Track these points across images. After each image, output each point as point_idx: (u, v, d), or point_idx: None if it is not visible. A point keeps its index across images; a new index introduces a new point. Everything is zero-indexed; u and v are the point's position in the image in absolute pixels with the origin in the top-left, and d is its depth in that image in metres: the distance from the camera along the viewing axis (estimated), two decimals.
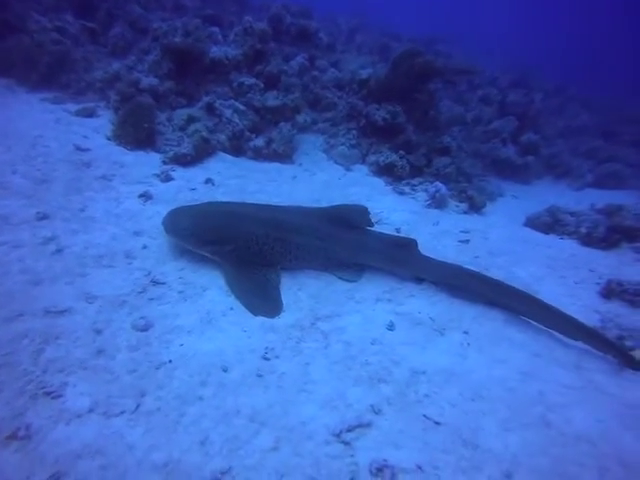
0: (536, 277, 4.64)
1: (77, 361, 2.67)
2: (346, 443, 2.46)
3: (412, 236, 4.94)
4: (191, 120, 6.35)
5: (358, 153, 7.53)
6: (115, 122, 6.01)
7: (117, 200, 4.56)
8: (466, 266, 4.45)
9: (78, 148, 5.30)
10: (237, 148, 6.79)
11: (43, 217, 3.90)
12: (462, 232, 5.50)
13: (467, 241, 5.22)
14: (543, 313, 3.67)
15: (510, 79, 14.17)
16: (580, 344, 3.60)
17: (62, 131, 5.68)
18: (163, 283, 3.51)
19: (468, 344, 3.40)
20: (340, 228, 4.00)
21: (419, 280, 4.13)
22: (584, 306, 4.26)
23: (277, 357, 3.02)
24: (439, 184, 6.45)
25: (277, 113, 7.35)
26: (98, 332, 2.92)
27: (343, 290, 3.89)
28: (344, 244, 3.99)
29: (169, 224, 3.76)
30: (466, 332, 3.54)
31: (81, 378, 2.58)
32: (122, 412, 2.44)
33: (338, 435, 2.49)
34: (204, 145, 6.05)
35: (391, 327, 3.48)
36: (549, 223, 6.34)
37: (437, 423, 2.65)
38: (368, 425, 2.58)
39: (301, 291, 3.79)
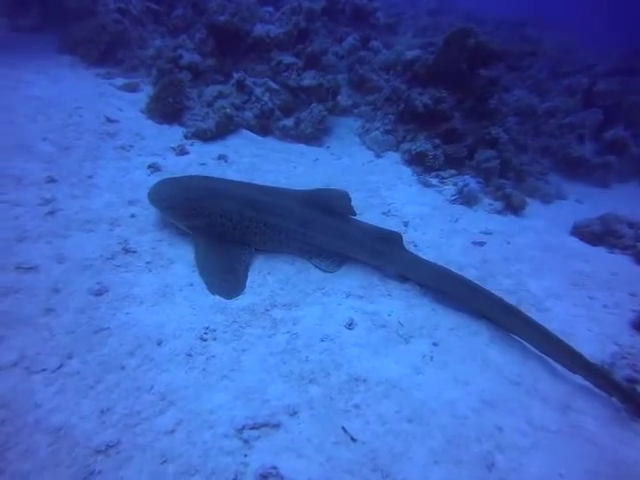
0: (551, 293, 4.02)
1: (24, 317, 2.83)
2: (245, 441, 2.33)
3: (420, 231, 4.61)
4: (220, 96, 6.42)
5: (392, 140, 7.10)
6: (149, 96, 6.26)
7: (126, 170, 4.75)
8: (468, 270, 4.03)
9: (108, 119, 5.61)
10: (264, 127, 6.75)
11: (51, 180, 4.18)
12: (482, 233, 4.94)
13: (482, 243, 4.68)
14: (536, 335, 3.17)
15: (611, 67, 12.34)
16: (579, 379, 3.06)
17: (102, 103, 6.06)
18: (134, 252, 3.59)
19: (431, 357, 3.05)
20: (319, 213, 3.78)
21: (404, 279, 3.79)
22: (602, 334, 3.62)
23: (215, 339, 2.95)
24: (468, 178, 5.86)
25: (312, 93, 7.16)
26: (56, 291, 3.07)
27: (315, 280, 3.69)
28: (322, 230, 3.77)
29: (152, 194, 3.83)
30: (435, 344, 3.18)
31: (20, 333, 2.73)
32: (43, 370, 2.54)
33: (240, 430, 2.37)
34: (227, 122, 6.09)
35: (350, 326, 3.24)
36: (599, 233, 5.48)
37: (354, 439, 2.41)
38: (276, 426, 2.42)
39: (270, 275, 3.67)
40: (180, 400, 2.51)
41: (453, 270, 3.61)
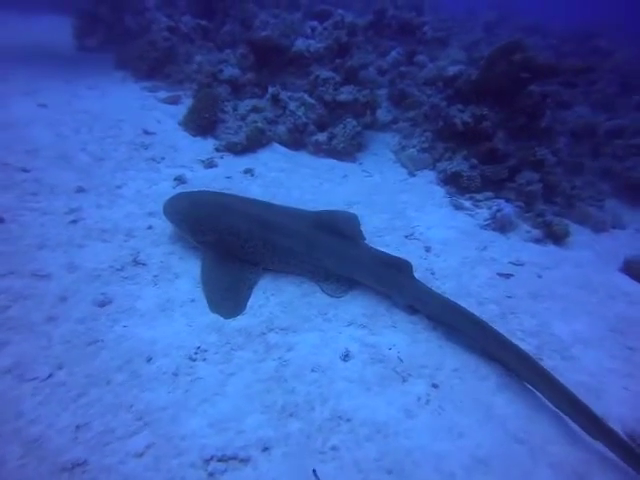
0: (581, 338, 3.61)
1: (29, 323, 2.96)
2: (210, 474, 2.25)
3: (441, 258, 4.36)
4: (254, 110, 6.52)
5: (429, 158, 6.83)
6: (187, 109, 6.49)
7: (153, 181, 4.93)
8: (487, 306, 3.73)
9: (145, 131, 5.88)
10: (297, 141, 6.76)
11: (80, 190, 4.42)
12: (511, 263, 4.57)
13: (509, 275, 4.32)
14: (551, 389, 2.82)
15: None
16: (601, 447, 2.68)
17: (142, 116, 6.38)
18: (144, 264, 3.67)
19: (427, 401, 2.81)
20: (327, 235, 3.66)
21: (413, 311, 3.56)
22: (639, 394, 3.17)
23: (204, 360, 2.92)
24: (503, 202, 5.48)
25: (348, 108, 7.09)
26: (62, 300, 3.19)
27: (319, 304, 3.57)
28: (328, 253, 3.65)
29: (166, 207, 3.92)
30: (435, 385, 2.93)
31: (23, 339, 2.85)
32: (34, 379, 2.63)
33: (207, 461, 2.30)
34: (258, 135, 6.16)
35: (346, 357, 3.08)
36: None
37: None
38: (245, 461, 2.33)
39: (274, 296, 3.60)
40: (156, 422, 2.48)
41: (464, 306, 3.32)
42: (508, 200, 5.97)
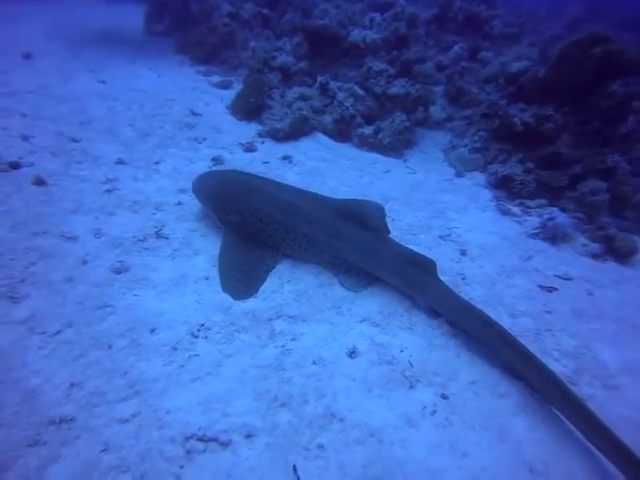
0: (631, 368, 3.14)
1: (49, 281, 3.08)
2: (188, 451, 2.19)
3: (477, 263, 4.04)
4: (301, 98, 6.44)
5: (480, 159, 6.39)
6: (236, 94, 6.55)
7: (191, 160, 5.00)
8: (521, 319, 3.39)
9: (192, 112, 5.99)
10: (343, 133, 6.60)
11: (120, 162, 4.57)
12: (557, 277, 4.12)
13: (553, 289, 3.89)
14: (583, 420, 2.46)
15: None
16: None
17: (192, 97, 6.52)
18: (166, 238, 3.71)
19: (433, 412, 2.56)
20: (351, 226, 3.48)
21: (435, 314, 3.29)
22: None
23: (205, 338, 2.87)
24: (556, 211, 4.96)
25: (398, 102, 6.81)
26: (83, 262, 3.29)
27: (334, 297, 3.41)
28: (350, 244, 3.47)
29: (195, 184, 3.93)
30: (445, 397, 2.67)
31: (41, 295, 2.96)
32: (43, 333, 2.71)
33: (188, 438, 2.24)
34: (301, 123, 6.07)
35: (352, 354, 2.89)
36: None
37: None
38: (225, 445, 2.23)
39: (289, 283, 3.49)
40: (146, 392, 2.46)
41: (492, 316, 3.00)
42: (564, 210, 5.41)
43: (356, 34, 7.41)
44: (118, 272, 3.26)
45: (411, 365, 2.85)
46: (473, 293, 3.62)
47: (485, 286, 3.75)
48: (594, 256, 4.82)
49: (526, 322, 3.39)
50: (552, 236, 4.86)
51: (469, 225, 4.77)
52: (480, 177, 6.15)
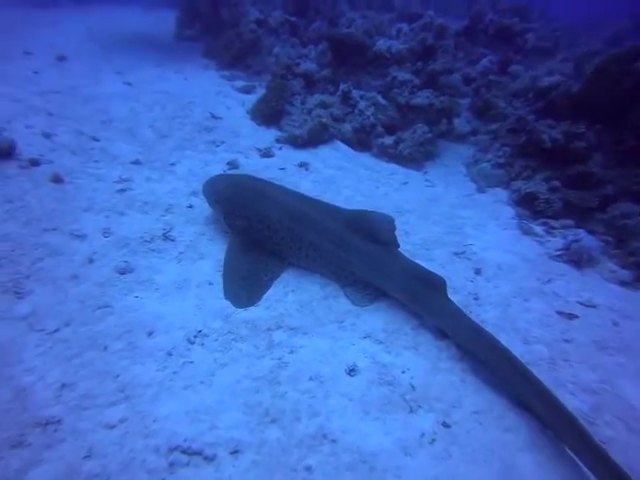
0: None
1: (54, 278, 3.09)
2: (170, 464, 2.11)
3: (492, 283, 3.86)
4: (322, 106, 6.40)
5: (503, 175, 6.17)
6: (257, 99, 6.57)
7: (207, 163, 5.01)
8: (534, 346, 3.20)
9: (213, 116, 6.03)
10: (362, 142, 6.51)
11: (136, 162, 4.61)
12: (580, 303, 3.88)
13: (573, 316, 3.67)
14: (600, 465, 2.25)
15: None
16: None
17: (214, 101, 6.57)
18: (173, 240, 3.69)
19: (432, 440, 2.41)
20: (359, 238, 3.38)
21: (443, 334, 3.14)
22: None
23: (202, 345, 2.81)
24: (582, 233, 4.71)
25: (421, 113, 6.69)
26: (89, 261, 3.30)
27: (338, 310, 3.30)
28: (357, 257, 3.36)
29: (205, 186, 3.91)
30: (447, 425, 2.51)
31: (46, 291, 2.97)
32: (42, 330, 2.71)
33: (172, 450, 2.17)
34: (320, 131, 6.02)
35: (352, 372, 2.77)
36: None
37: None
38: (209, 459, 2.15)
39: (293, 293, 3.40)
40: (136, 397, 2.41)
41: (503, 342, 2.83)
42: (592, 232, 5.14)
43: (381, 44, 7.34)
44: (122, 272, 3.25)
45: (413, 388, 2.71)
46: (485, 315, 3.44)
47: (499, 308, 3.56)
48: (623, 283, 4.53)
49: (540, 350, 3.19)
50: (576, 259, 4.61)
51: (487, 243, 4.58)
52: (502, 194, 5.93)
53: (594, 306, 3.88)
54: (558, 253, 4.70)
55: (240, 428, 2.32)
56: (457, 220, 4.98)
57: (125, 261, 3.33)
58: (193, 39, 9.63)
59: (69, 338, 2.68)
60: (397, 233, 4.25)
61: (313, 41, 9.05)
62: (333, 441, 2.32)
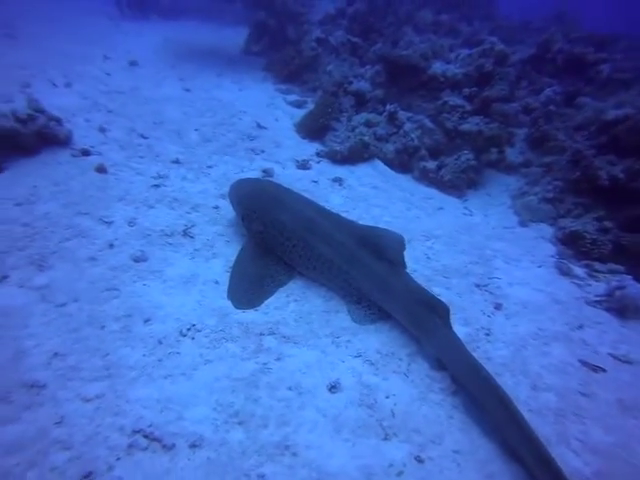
0: None
1: (75, 257, 3.35)
2: (130, 445, 2.17)
3: (511, 321, 3.64)
4: (367, 124, 6.42)
5: (551, 210, 5.78)
6: (305, 113, 6.74)
7: (242, 168, 5.20)
8: (543, 395, 2.93)
9: (259, 125, 6.27)
10: (404, 164, 6.42)
11: (176, 162, 4.90)
12: (613, 356, 3.49)
13: (599, 369, 3.30)
14: None
15: None
16: None
17: (264, 112, 6.84)
18: (191, 237, 3.84)
19: (400, 473, 2.26)
20: (367, 255, 3.30)
21: (440, 366, 2.96)
22: None
23: (192, 338, 2.89)
24: (629, 280, 4.25)
25: (469, 139, 6.48)
26: (110, 246, 3.53)
27: (337, 325, 3.23)
28: (364, 274, 3.28)
29: (231, 187, 4.06)
30: (420, 460, 2.35)
31: (64, 268, 3.23)
32: (51, 302, 2.94)
33: (135, 432, 2.23)
34: (361, 148, 6.03)
35: (333, 389, 2.69)
36: None
37: None
38: (167, 448, 2.18)
39: (295, 302, 3.39)
40: (118, 377, 2.52)
41: (503, 384, 2.61)
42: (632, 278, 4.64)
43: (437, 67, 7.25)
44: (137, 260, 3.43)
45: (393, 415, 2.57)
46: (493, 352, 3.20)
47: (511, 348, 3.30)
48: None
49: (549, 398, 2.90)
50: (619, 308, 4.16)
51: (516, 278, 4.28)
52: (547, 230, 5.55)
53: (630, 362, 3.48)
54: (598, 299, 4.29)
55: (205, 424, 2.33)
56: (487, 251, 4.72)
57: (142, 250, 3.51)
58: (258, 54, 10.14)
59: (73, 313, 2.87)
60: (417, 256, 4.17)
61: (372, 62, 9.17)
62: (294, 454, 2.25)
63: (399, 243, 3.44)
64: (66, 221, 3.63)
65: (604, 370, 3.33)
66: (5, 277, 3.03)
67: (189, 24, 13.75)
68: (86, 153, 4.53)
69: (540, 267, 4.66)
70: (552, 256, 4.93)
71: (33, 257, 3.23)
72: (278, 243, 3.61)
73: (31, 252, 3.27)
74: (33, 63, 6.62)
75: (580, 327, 3.78)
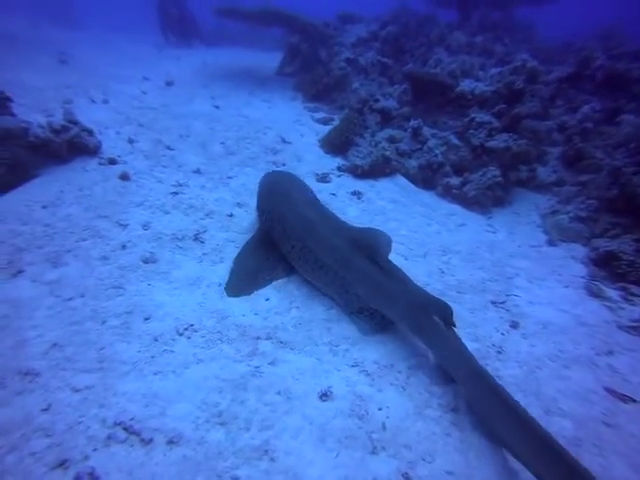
0: None
1: (88, 256, 3.48)
2: (108, 437, 2.17)
3: (528, 341, 3.42)
4: (390, 140, 6.39)
5: (583, 230, 5.44)
6: (330, 129, 6.81)
7: None
8: (557, 419, 2.69)
9: (283, 140, 6.39)
10: (427, 180, 6.31)
11: (197, 171, 5.06)
12: None
13: (628, 399, 2.98)
14: None
15: None
16: None
17: (289, 128, 6.97)
18: (202, 242, 3.91)
19: None
20: (361, 258, 3.18)
21: (448, 378, 2.78)
22: None
23: (188, 338, 2.89)
24: None
25: (496, 156, 6.28)
26: (122, 247, 3.64)
27: (338, 334, 3.14)
28: (359, 279, 3.15)
29: (261, 178, 4.26)
30: (407, 477, 2.18)
31: (76, 265, 3.36)
32: (58, 296, 3.05)
33: (116, 425, 2.24)
34: (382, 163, 5.99)
35: (324, 397, 2.59)
36: None
37: None
38: (145, 442, 2.16)
39: (297, 309, 3.34)
40: (109, 370, 2.54)
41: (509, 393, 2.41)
42: None
43: (465, 85, 7.16)
44: (146, 262, 3.52)
45: (384, 428, 2.43)
46: (504, 371, 2.98)
47: (525, 368, 3.06)
48: None
49: (564, 425, 2.64)
50: None
51: (537, 297, 4.02)
52: (578, 250, 5.20)
53: None
54: (632, 324, 3.93)
55: (187, 421, 2.29)
56: (509, 269, 4.48)
57: (151, 252, 3.60)
58: (291, 75, 10.45)
59: (77, 307, 2.96)
60: (431, 270, 4.03)
61: (400, 81, 9.21)
62: (272, 459, 2.16)
63: (386, 242, 3.31)
64: (85, 223, 3.80)
65: (634, 400, 3.01)
66: (21, 272, 3.18)
67: (229, 50, 14.45)
68: (113, 162, 4.77)
69: (567, 287, 4.35)
70: (582, 277, 4.60)
71: (50, 254, 3.38)
72: (282, 240, 3.62)
73: (49, 250, 3.43)
74: (78, 83, 7.15)
75: (609, 353, 3.46)
